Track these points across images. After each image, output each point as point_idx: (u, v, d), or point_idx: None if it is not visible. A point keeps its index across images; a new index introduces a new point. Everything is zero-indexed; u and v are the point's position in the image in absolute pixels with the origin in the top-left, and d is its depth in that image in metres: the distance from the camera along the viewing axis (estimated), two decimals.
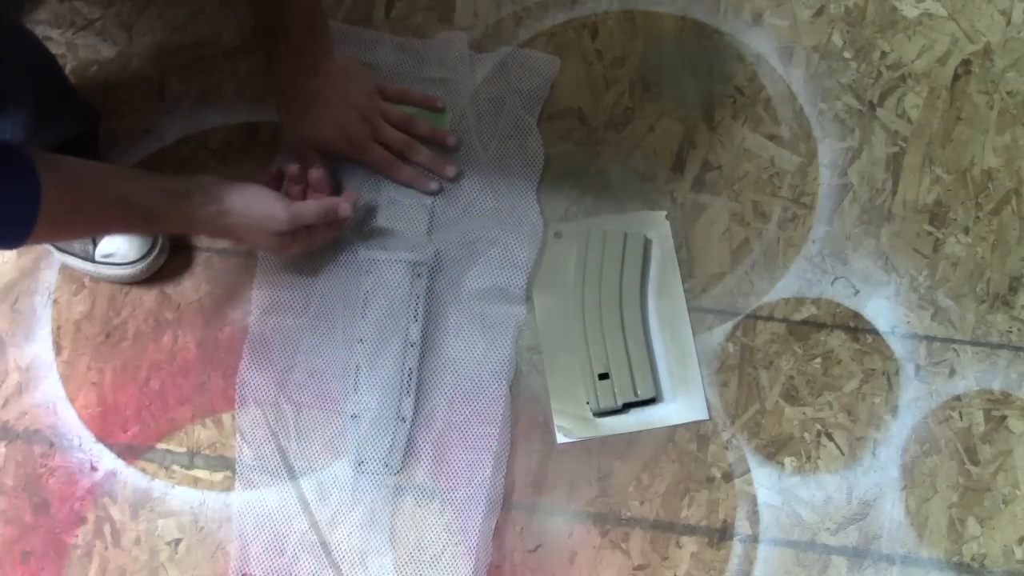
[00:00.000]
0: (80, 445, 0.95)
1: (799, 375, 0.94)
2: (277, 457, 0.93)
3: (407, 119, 1.00)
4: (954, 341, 0.95)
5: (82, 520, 0.92)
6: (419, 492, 0.91)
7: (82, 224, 0.82)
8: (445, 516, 0.90)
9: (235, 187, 0.88)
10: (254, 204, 0.88)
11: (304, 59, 0.95)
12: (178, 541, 0.91)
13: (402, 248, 0.98)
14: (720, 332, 0.96)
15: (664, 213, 1.00)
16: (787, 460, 0.92)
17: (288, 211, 0.89)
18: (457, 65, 1.05)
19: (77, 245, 0.97)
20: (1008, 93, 1.04)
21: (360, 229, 0.99)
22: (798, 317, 0.96)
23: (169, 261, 0.99)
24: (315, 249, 0.96)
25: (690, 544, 0.89)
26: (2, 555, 0.91)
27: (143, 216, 0.83)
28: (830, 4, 1.08)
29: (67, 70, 1.07)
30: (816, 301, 0.97)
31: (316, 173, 0.95)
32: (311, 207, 0.91)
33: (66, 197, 0.75)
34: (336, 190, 0.99)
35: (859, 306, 0.96)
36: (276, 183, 0.95)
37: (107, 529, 0.92)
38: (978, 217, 0.99)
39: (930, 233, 0.99)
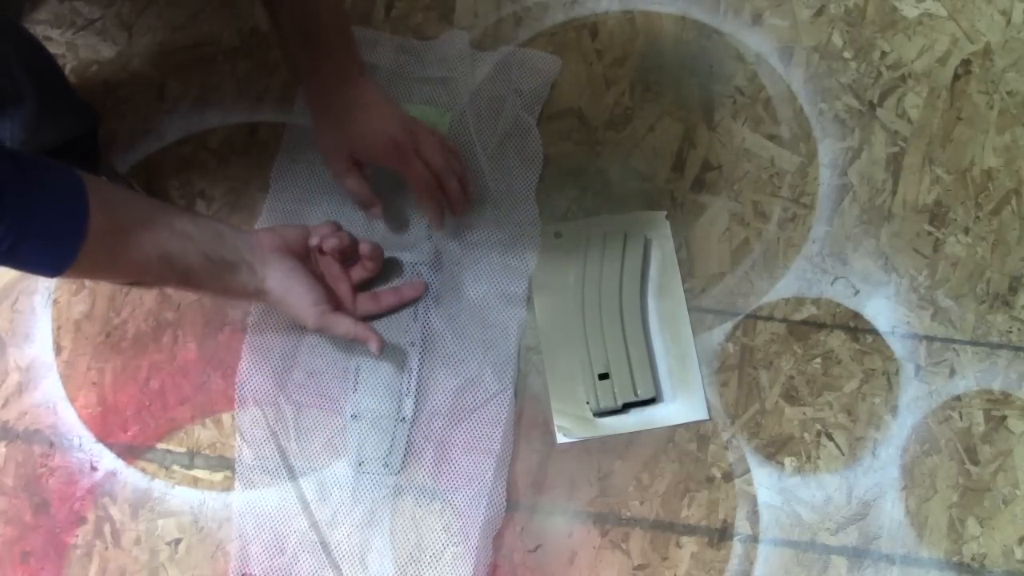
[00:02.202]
0: (80, 445, 0.95)
1: (799, 375, 0.94)
2: (277, 457, 0.93)
3: (444, 145, 0.95)
4: (954, 341, 0.95)
5: (82, 520, 0.92)
6: (419, 492, 0.91)
7: (121, 267, 0.78)
8: (445, 516, 0.90)
9: (280, 269, 0.86)
10: (291, 296, 0.87)
11: (340, 63, 0.91)
12: (178, 541, 0.91)
13: (402, 248, 0.98)
14: (720, 332, 0.96)
15: (664, 213, 1.00)
16: (787, 460, 0.92)
17: (318, 321, 0.87)
18: (457, 64, 1.05)
19: None
20: (1008, 93, 1.04)
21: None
22: (798, 317, 0.96)
23: None
24: None
25: (690, 544, 0.89)
26: (2, 555, 0.91)
27: (180, 277, 0.81)
28: (830, 4, 1.08)
29: (67, 70, 1.07)
30: (816, 301, 0.97)
31: (366, 247, 0.92)
32: (342, 326, 0.88)
33: (111, 237, 0.74)
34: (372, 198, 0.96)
35: (859, 306, 0.96)
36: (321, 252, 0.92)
37: (107, 529, 0.92)
38: (978, 217, 0.99)
39: (930, 233, 0.99)
